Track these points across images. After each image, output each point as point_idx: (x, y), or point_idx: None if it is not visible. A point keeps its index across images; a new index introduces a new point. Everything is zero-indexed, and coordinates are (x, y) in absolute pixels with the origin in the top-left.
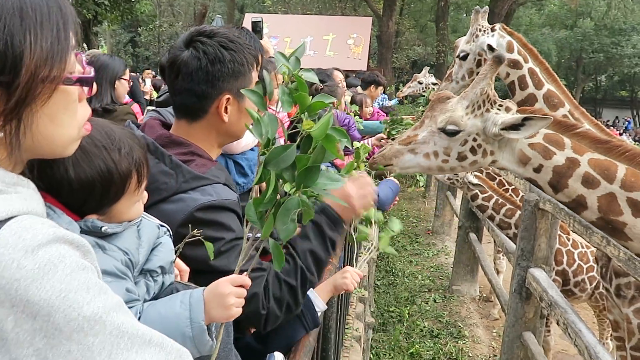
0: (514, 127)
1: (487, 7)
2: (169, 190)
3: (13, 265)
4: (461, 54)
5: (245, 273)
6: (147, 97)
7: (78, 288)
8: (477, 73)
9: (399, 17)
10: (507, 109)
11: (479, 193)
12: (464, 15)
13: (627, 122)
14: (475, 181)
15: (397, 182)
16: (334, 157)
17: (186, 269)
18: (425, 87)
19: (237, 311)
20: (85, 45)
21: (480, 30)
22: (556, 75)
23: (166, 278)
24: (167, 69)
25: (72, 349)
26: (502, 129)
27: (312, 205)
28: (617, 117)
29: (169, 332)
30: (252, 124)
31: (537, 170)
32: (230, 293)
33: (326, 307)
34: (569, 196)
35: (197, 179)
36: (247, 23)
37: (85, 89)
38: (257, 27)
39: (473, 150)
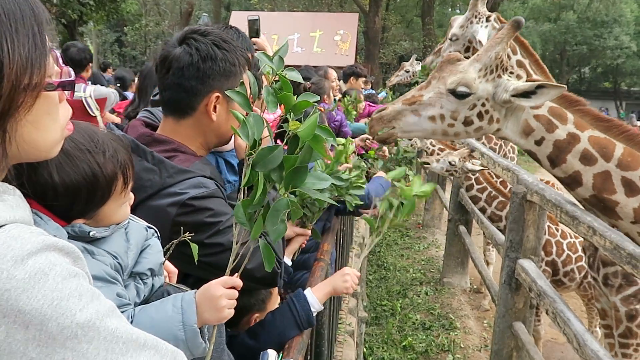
0: (525, 94)
1: None
2: (154, 187)
3: (3, 275)
4: (453, 37)
5: (236, 274)
6: None
7: (70, 295)
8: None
9: (385, 12)
10: (518, 77)
11: (474, 184)
12: (450, 10)
13: (604, 111)
14: (478, 168)
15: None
16: (321, 156)
17: (175, 270)
18: (413, 75)
19: (229, 312)
20: (71, 70)
21: (475, 17)
22: (546, 68)
23: (156, 280)
24: (158, 65)
25: (66, 357)
26: (513, 96)
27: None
28: (601, 108)
29: (161, 336)
30: (238, 126)
31: (539, 142)
32: (222, 295)
33: (322, 307)
34: (565, 172)
35: (181, 173)
36: (233, 21)
37: (67, 93)
38: (254, 26)
39: (480, 116)
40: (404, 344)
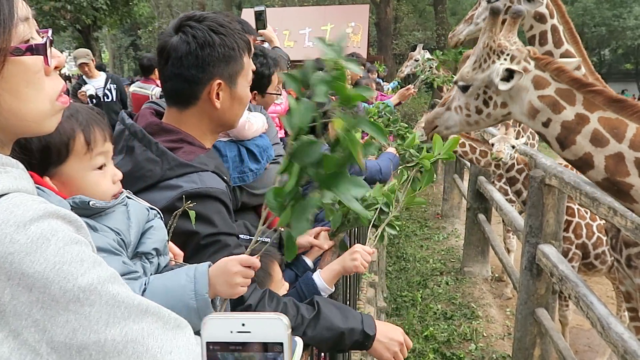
0: (508, 78)
1: None
2: (154, 178)
3: (6, 240)
4: None
5: (256, 255)
6: None
7: (72, 260)
8: (503, 21)
9: (397, 2)
10: (513, 58)
11: (515, 164)
12: None
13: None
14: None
15: (396, 153)
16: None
17: (180, 253)
18: (422, 64)
19: (242, 290)
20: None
21: None
22: (578, 37)
23: (161, 259)
24: (157, 56)
25: (69, 319)
26: (501, 80)
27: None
28: (622, 91)
29: (174, 303)
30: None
31: (546, 124)
32: (237, 272)
33: (332, 290)
34: (575, 154)
35: (182, 166)
36: (244, 18)
37: (52, 62)
38: (260, 17)
39: (486, 103)
40: (425, 334)
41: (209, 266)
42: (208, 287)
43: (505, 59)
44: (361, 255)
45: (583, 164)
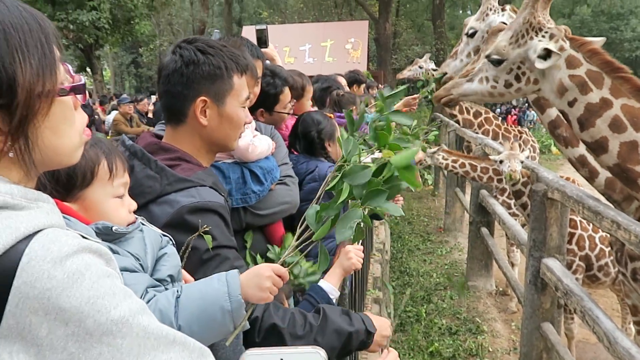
0: (545, 56)
1: None
2: (153, 193)
3: (44, 276)
4: (470, 31)
5: (286, 268)
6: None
7: (105, 294)
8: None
9: (395, 18)
10: (552, 36)
11: (520, 178)
12: (460, 11)
13: None
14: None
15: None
16: (407, 186)
17: (191, 279)
18: (425, 72)
19: (270, 297)
20: (89, 69)
21: (490, 10)
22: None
23: (176, 286)
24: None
25: (102, 351)
26: (538, 57)
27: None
28: None
29: (209, 306)
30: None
31: (571, 103)
32: (269, 277)
33: (338, 292)
34: (592, 136)
35: (180, 182)
36: (244, 35)
37: (79, 96)
38: (262, 36)
39: (518, 78)
40: (430, 349)
41: (238, 272)
42: (240, 289)
43: (543, 36)
44: (354, 253)
45: (598, 147)
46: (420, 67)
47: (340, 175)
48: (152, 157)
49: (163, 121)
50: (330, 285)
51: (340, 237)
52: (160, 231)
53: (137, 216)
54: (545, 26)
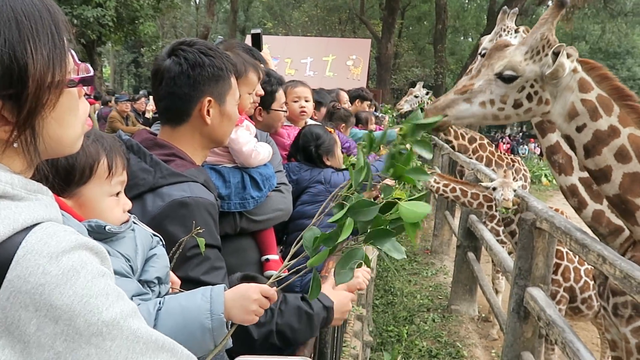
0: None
1: (516, 8)
2: (146, 185)
3: (39, 271)
4: (483, 52)
5: (275, 288)
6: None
7: (98, 294)
8: None
9: (398, 39)
10: (568, 55)
11: (512, 217)
12: (462, 38)
13: None
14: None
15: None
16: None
17: (177, 281)
18: (421, 101)
19: (254, 319)
20: (89, 65)
21: (504, 31)
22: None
23: (162, 288)
24: (152, 78)
25: (90, 353)
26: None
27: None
28: None
29: (189, 322)
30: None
31: (580, 129)
32: (256, 300)
33: (332, 302)
34: (597, 164)
35: (173, 175)
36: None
37: (85, 87)
38: (257, 40)
39: (529, 98)
40: None
41: (224, 289)
42: (223, 307)
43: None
44: (362, 273)
45: (601, 176)
46: (416, 97)
47: (345, 209)
48: (147, 151)
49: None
50: (329, 298)
51: (341, 280)
52: (151, 231)
53: (130, 215)
54: (561, 46)
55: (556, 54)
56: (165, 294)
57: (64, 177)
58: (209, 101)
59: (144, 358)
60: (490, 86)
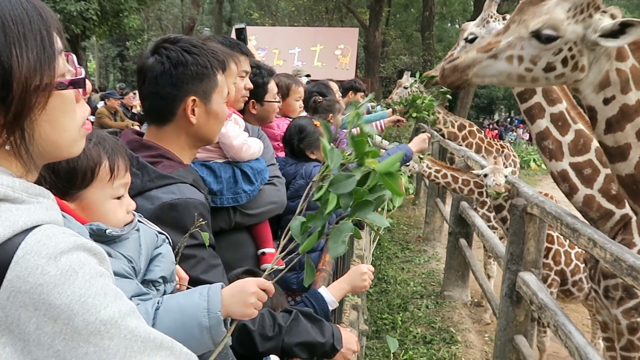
0: (613, 34)
1: None
2: (135, 189)
3: (37, 271)
4: (469, 37)
5: (271, 281)
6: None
7: (96, 293)
8: None
9: (385, 27)
10: (613, 16)
11: (503, 204)
12: (449, 25)
13: None
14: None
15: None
16: (391, 194)
17: (185, 277)
18: (411, 92)
19: (254, 312)
20: (82, 69)
21: (491, 17)
22: None
23: (167, 287)
24: (137, 76)
25: (89, 351)
26: (601, 36)
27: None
28: None
29: (187, 321)
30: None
31: (607, 101)
32: (254, 293)
33: (337, 304)
34: (617, 141)
35: (161, 178)
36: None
37: (81, 90)
38: (241, 35)
39: (564, 62)
40: (404, 357)
41: (221, 286)
42: (221, 306)
43: (603, 14)
44: (368, 275)
45: (618, 154)
46: (405, 88)
47: (326, 185)
48: (133, 154)
49: None
50: (332, 297)
51: (334, 253)
52: (157, 229)
53: (135, 213)
54: (602, 4)
55: (621, 25)
56: (171, 293)
57: (66, 181)
58: (194, 100)
59: (142, 356)
60: (522, 43)
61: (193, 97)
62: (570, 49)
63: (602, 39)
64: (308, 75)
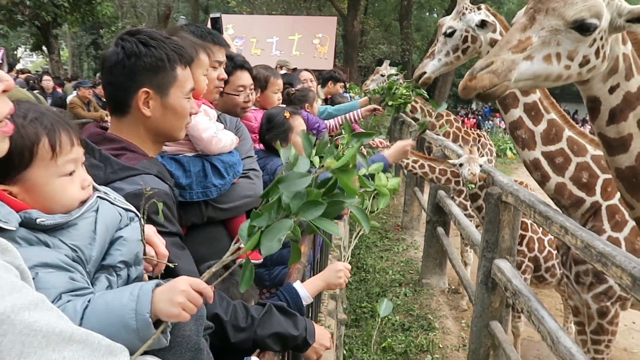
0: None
1: None
2: (97, 182)
3: None
4: (448, 31)
5: (211, 286)
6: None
7: None
8: (463, 50)
9: (364, 16)
10: None
11: (479, 193)
12: (427, 14)
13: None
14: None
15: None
16: (352, 196)
17: (165, 253)
18: (388, 79)
19: (181, 314)
20: (45, 48)
21: (466, 9)
22: None
23: (132, 271)
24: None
25: None
26: (628, 20)
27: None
28: (575, 112)
29: (113, 322)
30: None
31: (612, 89)
32: (183, 291)
33: (312, 300)
34: (619, 132)
35: (124, 170)
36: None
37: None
38: (216, 24)
39: (597, 53)
40: (383, 345)
41: (157, 285)
42: (150, 307)
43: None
44: (344, 272)
45: (619, 145)
46: (383, 75)
47: (274, 181)
48: (95, 147)
49: None
50: (307, 293)
51: (266, 251)
52: (126, 206)
53: (99, 188)
54: None
55: None
56: (137, 276)
57: (2, 163)
58: (147, 92)
59: (44, 352)
60: (558, 37)
61: (146, 89)
62: (601, 38)
63: (630, 23)
64: (295, 69)
